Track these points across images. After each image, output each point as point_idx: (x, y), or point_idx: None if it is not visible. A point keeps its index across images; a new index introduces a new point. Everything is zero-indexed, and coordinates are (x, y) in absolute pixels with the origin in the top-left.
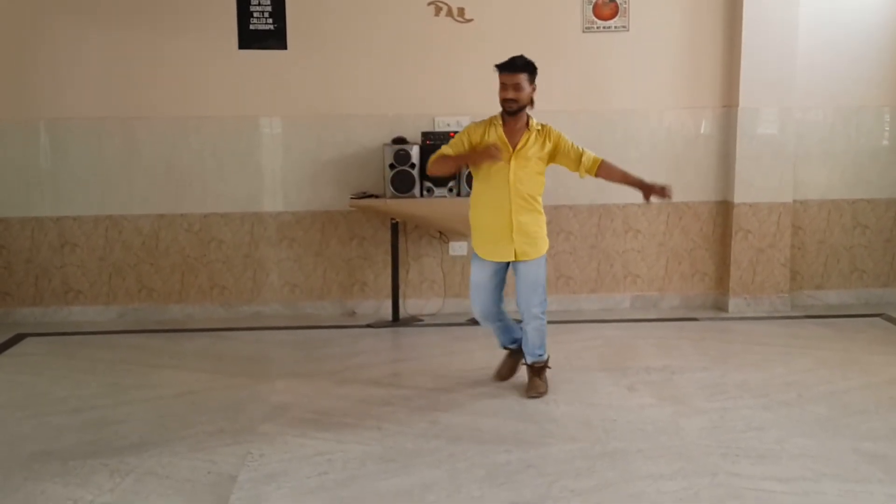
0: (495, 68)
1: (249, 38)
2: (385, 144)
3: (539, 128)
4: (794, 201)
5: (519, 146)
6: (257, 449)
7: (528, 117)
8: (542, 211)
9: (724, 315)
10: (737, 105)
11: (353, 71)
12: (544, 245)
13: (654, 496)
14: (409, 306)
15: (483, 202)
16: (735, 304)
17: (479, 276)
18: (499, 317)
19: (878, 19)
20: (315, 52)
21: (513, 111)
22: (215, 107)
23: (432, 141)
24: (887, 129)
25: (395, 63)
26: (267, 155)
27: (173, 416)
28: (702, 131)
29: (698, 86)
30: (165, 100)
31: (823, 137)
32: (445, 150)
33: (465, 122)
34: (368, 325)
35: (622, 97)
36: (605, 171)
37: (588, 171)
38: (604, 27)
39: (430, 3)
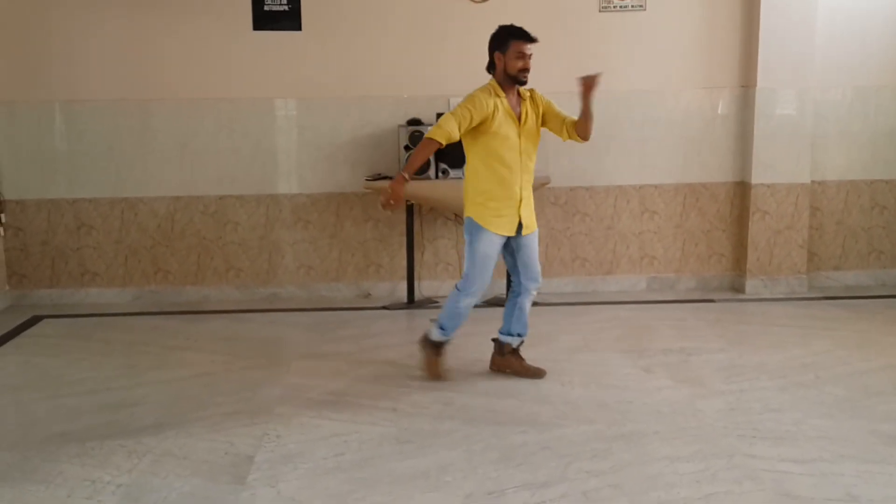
0: (511, 35)
1: (264, 19)
2: (400, 126)
3: (529, 94)
4: (812, 182)
5: (523, 119)
6: (274, 430)
7: (518, 88)
8: None
9: (741, 297)
10: (755, 85)
11: (368, 52)
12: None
13: (671, 477)
14: (424, 288)
15: (494, 177)
16: (752, 286)
17: (490, 250)
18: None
19: None
20: (330, 32)
21: (526, 82)
22: (230, 88)
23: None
24: None
25: (410, 44)
26: (282, 137)
27: (190, 398)
28: (719, 111)
29: (716, 66)
30: (180, 81)
31: (842, 118)
32: (451, 127)
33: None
34: (384, 307)
35: (639, 77)
36: (577, 123)
37: (569, 133)
38: (620, 7)
39: None
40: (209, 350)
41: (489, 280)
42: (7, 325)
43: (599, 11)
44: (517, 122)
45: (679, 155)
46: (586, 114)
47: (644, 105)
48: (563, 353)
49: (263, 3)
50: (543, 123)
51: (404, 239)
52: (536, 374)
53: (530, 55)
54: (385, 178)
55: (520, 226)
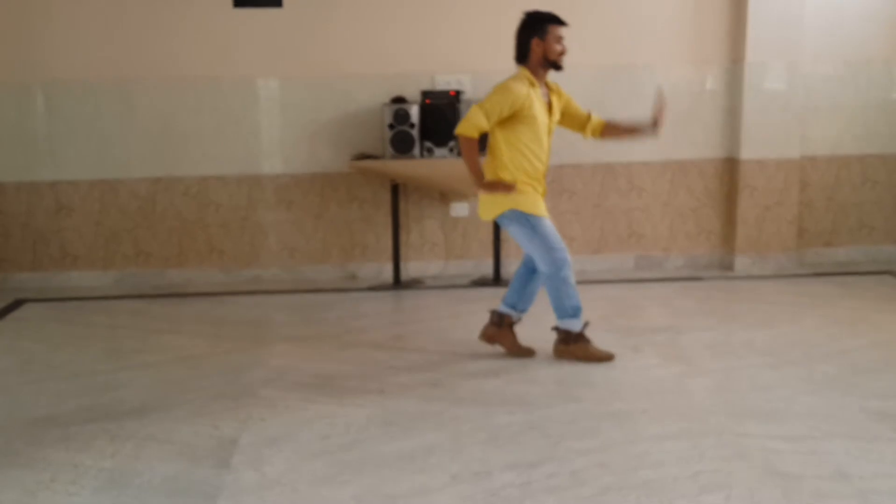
0: (549, 20)
1: None
2: (384, 104)
3: (556, 87)
4: (802, 157)
5: (554, 108)
6: (258, 413)
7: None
8: None
9: (729, 274)
10: (744, 60)
11: (351, 29)
12: None
13: (659, 456)
14: (410, 269)
15: (534, 163)
16: (741, 263)
17: (548, 224)
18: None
19: None
20: (311, 9)
21: (562, 68)
22: (211, 67)
23: (432, 100)
24: None
25: (393, 21)
26: (264, 116)
27: (173, 381)
28: (708, 87)
29: (705, 40)
30: (160, 61)
31: (832, 92)
32: (480, 120)
33: (466, 80)
34: (370, 289)
35: (627, 52)
36: (610, 129)
37: (593, 132)
38: None
39: None
40: (192, 333)
41: (564, 244)
42: None
43: None
44: (548, 112)
45: (667, 131)
46: (641, 132)
47: (631, 80)
48: (550, 333)
49: None
50: (560, 118)
51: (390, 219)
52: (527, 353)
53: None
54: (370, 157)
55: None
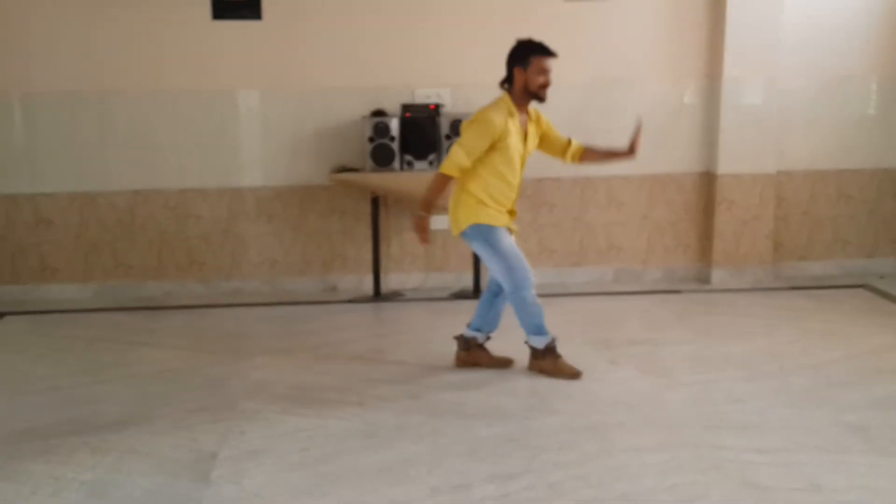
0: (533, 51)
1: (223, 9)
2: (364, 117)
3: (535, 115)
4: (779, 172)
5: (529, 139)
6: (238, 426)
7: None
8: None
9: (707, 287)
10: (721, 75)
11: (331, 42)
12: None
13: (637, 468)
14: (390, 281)
15: (501, 187)
16: (718, 276)
17: (509, 240)
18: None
19: None
20: (290, 22)
21: (545, 99)
22: (191, 80)
23: (412, 113)
24: (872, 98)
25: (373, 34)
26: (244, 129)
27: (153, 394)
28: (685, 102)
29: (682, 56)
30: (140, 73)
31: (808, 107)
32: (462, 160)
33: (446, 94)
34: (350, 301)
35: (605, 67)
36: (588, 154)
37: (573, 158)
38: None
39: None
40: (172, 346)
41: (527, 264)
42: None
43: (565, 1)
44: (524, 141)
45: (645, 146)
46: (618, 156)
47: (610, 95)
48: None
49: None
50: (539, 144)
51: (370, 232)
52: (506, 363)
53: (550, 70)
54: (350, 169)
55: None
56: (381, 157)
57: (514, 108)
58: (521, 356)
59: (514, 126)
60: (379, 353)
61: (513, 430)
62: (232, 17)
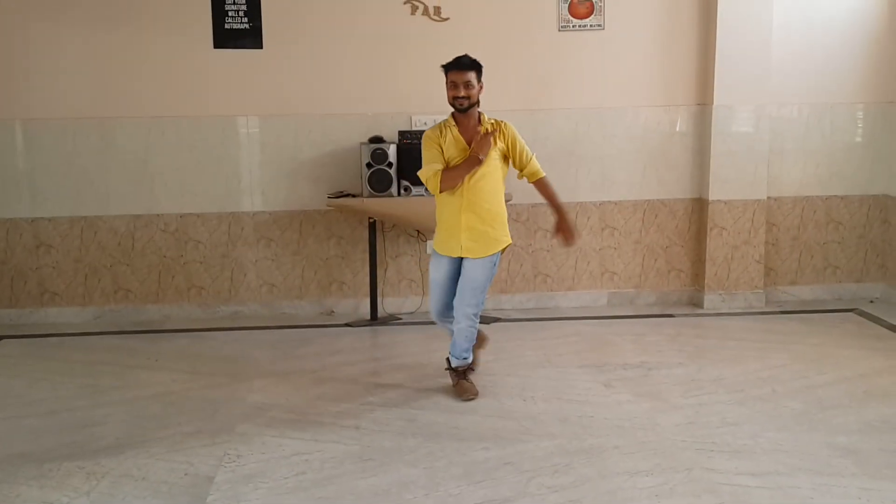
0: (442, 69)
1: (225, 38)
2: (362, 143)
3: (492, 123)
4: (769, 198)
5: (474, 143)
6: (234, 449)
7: (480, 114)
8: (501, 210)
9: (699, 311)
10: (711, 103)
11: (330, 70)
12: (497, 246)
13: (631, 492)
14: (387, 305)
15: (448, 208)
16: (710, 301)
17: (437, 275)
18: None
19: (851, 17)
20: (291, 50)
21: (464, 109)
22: (191, 106)
23: (410, 140)
24: (860, 125)
25: (371, 62)
26: (244, 154)
27: (150, 417)
28: (677, 129)
29: (673, 84)
30: (141, 100)
31: (797, 135)
32: (436, 167)
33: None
34: (347, 324)
35: (598, 95)
36: (540, 186)
37: (527, 177)
38: (579, 26)
39: (406, 2)
40: (170, 369)
41: (440, 296)
42: None
43: (559, 30)
44: (466, 150)
45: (638, 172)
46: (555, 209)
47: (603, 122)
48: (525, 369)
49: (224, 22)
50: (506, 156)
51: (367, 256)
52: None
53: (464, 83)
54: (348, 195)
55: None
56: (379, 183)
57: (451, 122)
58: (515, 380)
59: (451, 138)
60: (375, 377)
61: (508, 453)
62: (234, 46)
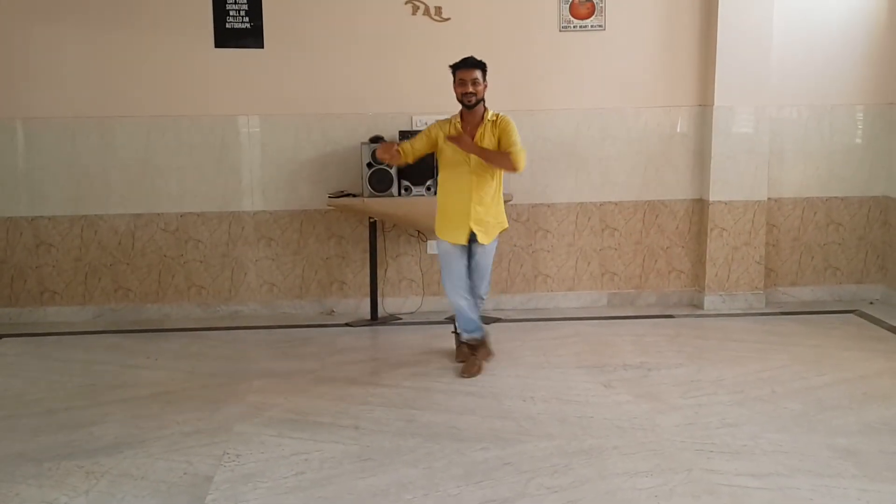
0: (450, 68)
1: (226, 37)
2: (362, 143)
3: (493, 118)
4: (769, 199)
5: (476, 139)
6: (234, 449)
7: (485, 110)
8: (501, 198)
9: (699, 312)
10: (712, 104)
11: (331, 70)
12: (498, 228)
13: (630, 493)
14: (387, 305)
15: (448, 198)
16: (710, 301)
17: (448, 257)
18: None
19: (852, 18)
20: (292, 50)
21: (471, 105)
22: (192, 106)
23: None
24: (860, 127)
25: (372, 62)
26: (244, 154)
27: (149, 417)
28: (678, 130)
29: (674, 85)
30: (141, 99)
31: (798, 136)
32: (405, 147)
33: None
34: (347, 324)
35: (599, 96)
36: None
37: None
38: (580, 26)
39: (407, 2)
40: (169, 368)
41: (458, 276)
42: None
43: (560, 31)
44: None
45: (639, 173)
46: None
47: (604, 123)
48: (524, 369)
49: (225, 21)
50: (500, 145)
51: (367, 256)
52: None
53: (472, 80)
54: (348, 195)
55: (473, 235)
56: (380, 183)
57: (457, 118)
58: (516, 380)
59: (454, 130)
60: (375, 377)
61: (507, 453)
62: (235, 46)
